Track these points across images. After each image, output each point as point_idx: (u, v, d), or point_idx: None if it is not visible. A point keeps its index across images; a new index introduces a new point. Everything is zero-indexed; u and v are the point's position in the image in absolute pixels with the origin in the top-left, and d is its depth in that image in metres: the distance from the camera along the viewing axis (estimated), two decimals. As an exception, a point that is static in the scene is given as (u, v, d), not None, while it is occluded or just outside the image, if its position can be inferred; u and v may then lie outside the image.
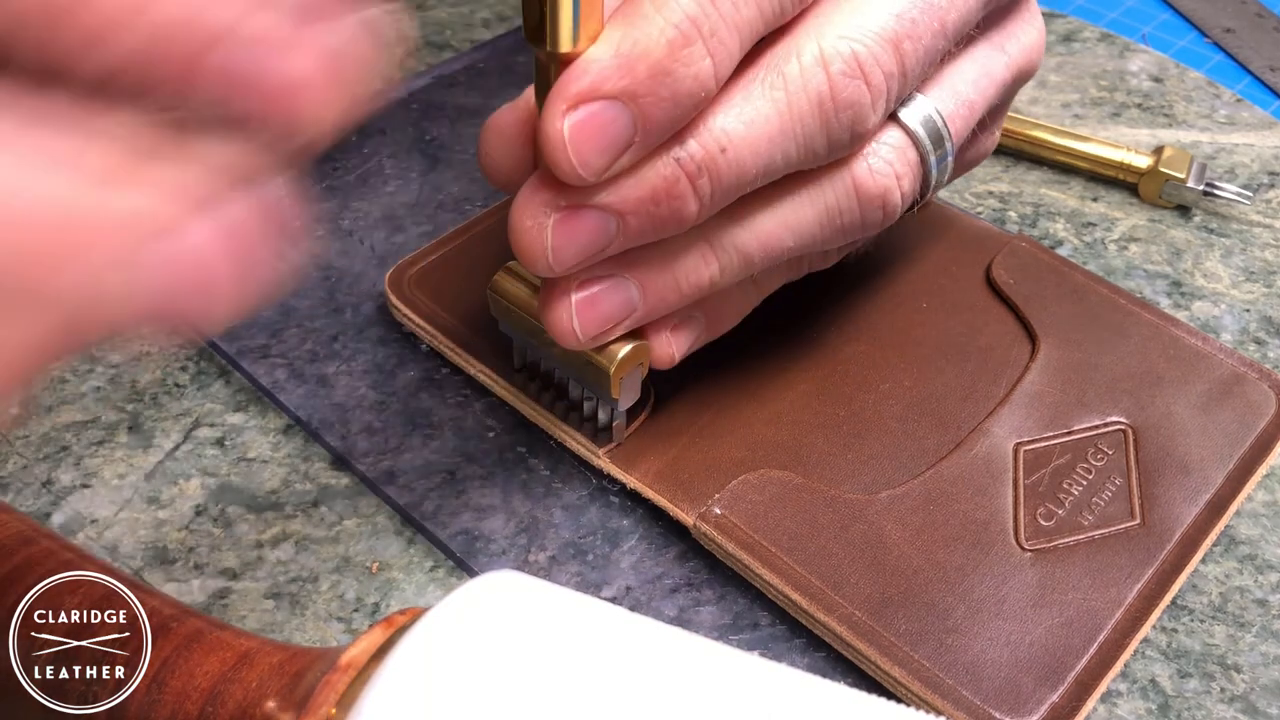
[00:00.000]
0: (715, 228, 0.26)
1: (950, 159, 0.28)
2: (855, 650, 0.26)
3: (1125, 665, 0.28)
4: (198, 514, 0.31)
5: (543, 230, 0.24)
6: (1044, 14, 0.49)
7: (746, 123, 0.24)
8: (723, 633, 0.28)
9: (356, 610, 0.29)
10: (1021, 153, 0.42)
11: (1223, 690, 0.27)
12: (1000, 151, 0.42)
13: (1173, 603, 0.29)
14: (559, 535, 0.30)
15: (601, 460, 0.30)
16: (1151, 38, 0.50)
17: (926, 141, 0.27)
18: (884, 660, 0.26)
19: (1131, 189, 0.41)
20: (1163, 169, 0.40)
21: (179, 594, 0.29)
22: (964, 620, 0.27)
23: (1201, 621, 0.29)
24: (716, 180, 0.24)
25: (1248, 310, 0.36)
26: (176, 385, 0.34)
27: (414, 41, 0.48)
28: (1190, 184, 0.39)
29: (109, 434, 0.33)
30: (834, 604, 0.27)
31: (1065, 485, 0.29)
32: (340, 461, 0.32)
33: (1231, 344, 0.35)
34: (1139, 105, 0.44)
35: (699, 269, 0.26)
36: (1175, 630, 0.29)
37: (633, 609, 0.28)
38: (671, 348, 0.28)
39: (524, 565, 0.29)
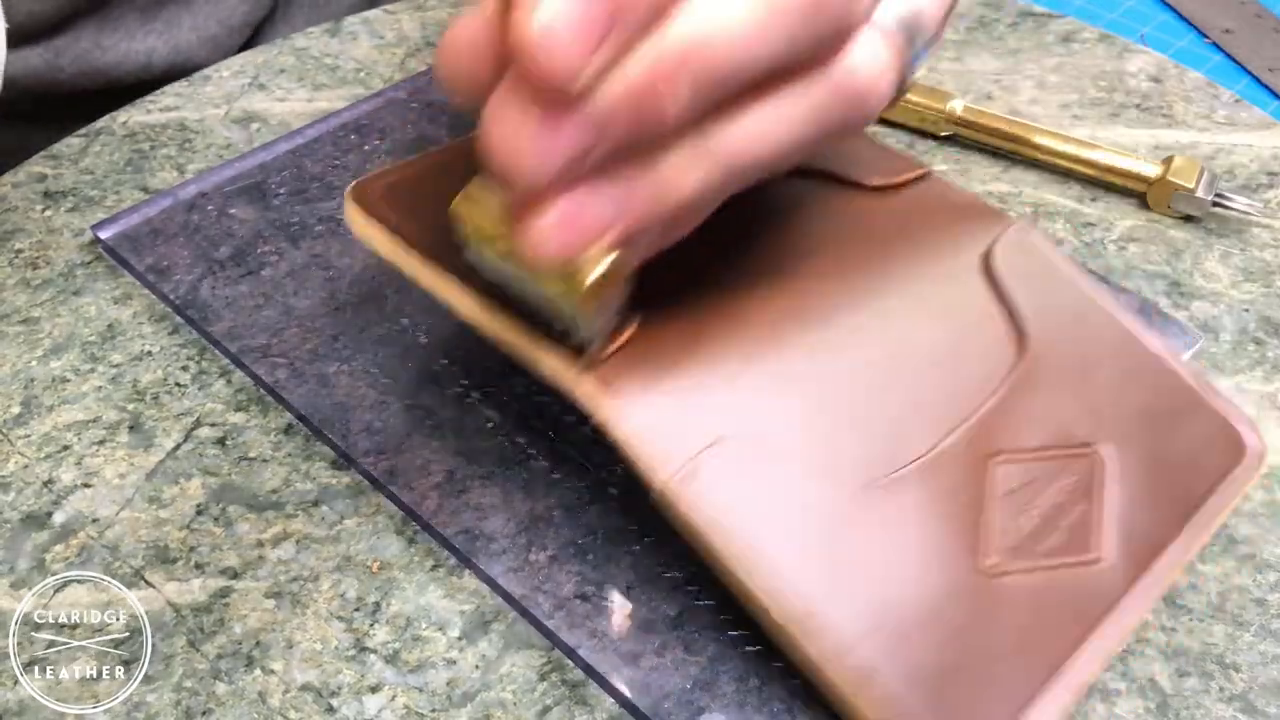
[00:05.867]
0: (699, 132, 0.25)
1: (927, 50, 0.27)
2: (801, 656, 0.26)
3: (1125, 664, 0.28)
4: (199, 513, 0.31)
5: (521, 140, 0.22)
6: (1043, 15, 0.49)
7: (727, 14, 0.23)
8: (721, 631, 0.28)
9: (358, 609, 0.29)
10: (1024, 157, 0.42)
11: (1221, 689, 0.28)
12: (1000, 153, 0.42)
13: (1172, 602, 0.29)
14: (559, 534, 0.30)
15: (577, 383, 0.28)
16: (1150, 38, 0.50)
17: (905, 35, 0.26)
18: (828, 668, 0.26)
19: (1137, 196, 0.40)
20: (1172, 179, 0.39)
21: (180, 593, 0.29)
22: (919, 642, 0.26)
23: (1200, 620, 0.29)
24: (699, 75, 0.23)
25: (1247, 310, 0.36)
26: (177, 385, 0.34)
27: (414, 41, 0.48)
28: (1199, 194, 0.39)
29: (110, 433, 0.33)
30: (787, 606, 0.26)
31: (1032, 509, 0.29)
32: (341, 461, 0.32)
33: (1230, 344, 0.35)
34: (1138, 106, 0.44)
35: (684, 175, 0.25)
36: (1174, 629, 0.29)
37: (634, 608, 0.28)
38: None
39: (525, 564, 0.29)
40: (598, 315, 0.26)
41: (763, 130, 0.25)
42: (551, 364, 0.28)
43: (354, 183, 0.31)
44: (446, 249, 0.28)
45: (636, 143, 0.23)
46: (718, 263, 0.31)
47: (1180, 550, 0.29)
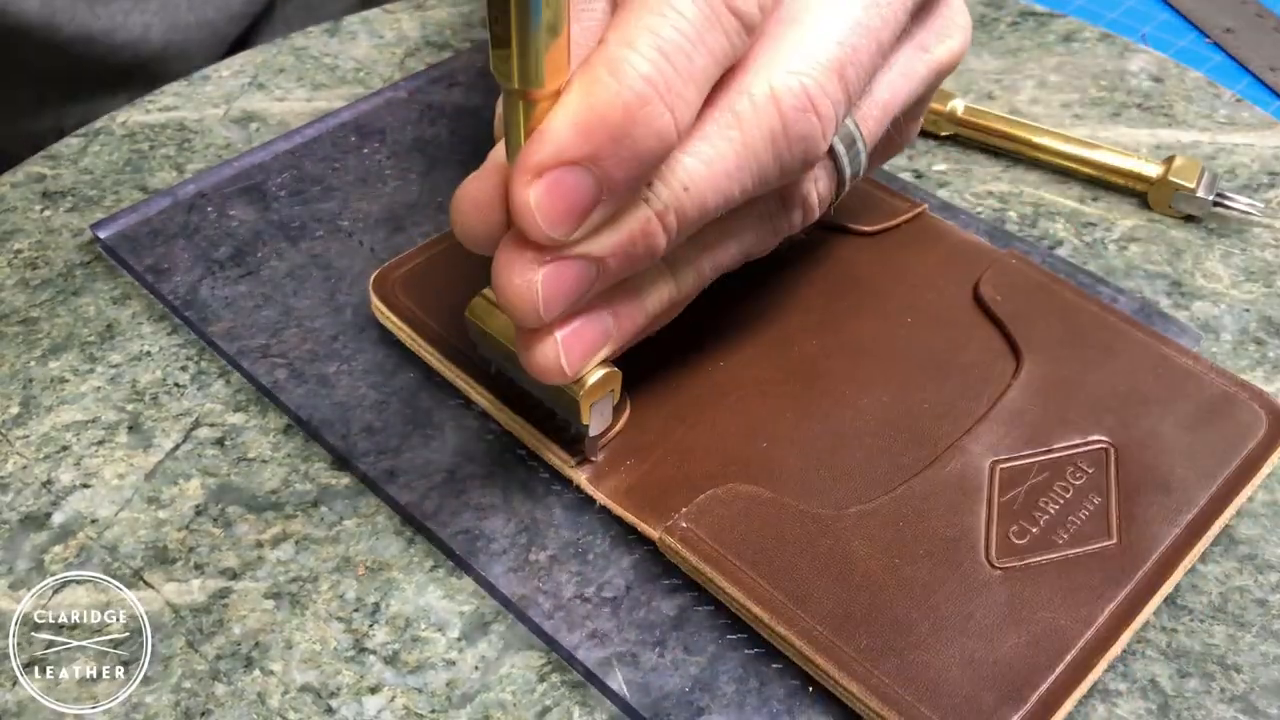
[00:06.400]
0: (673, 252, 0.27)
1: (863, 157, 0.30)
2: (814, 665, 0.26)
3: (1126, 665, 0.28)
4: (198, 514, 0.31)
5: (532, 286, 0.25)
6: (1044, 14, 0.49)
7: (706, 162, 0.25)
8: (720, 632, 0.28)
9: (357, 610, 0.29)
10: (1025, 156, 0.42)
11: (1223, 690, 0.27)
12: (1001, 153, 0.42)
13: (1173, 602, 0.29)
14: (559, 535, 0.30)
15: (574, 474, 0.30)
16: (1151, 38, 0.50)
17: (839, 146, 0.29)
18: (841, 675, 0.26)
19: (1138, 196, 0.40)
20: (1172, 179, 0.39)
21: (179, 594, 0.29)
22: (927, 637, 0.26)
23: (1201, 621, 0.29)
24: (682, 217, 0.26)
25: (1248, 310, 0.36)
26: (176, 385, 0.34)
27: (413, 41, 0.48)
28: (1200, 194, 0.39)
29: (109, 434, 0.33)
30: (795, 618, 0.27)
31: (1041, 503, 0.29)
32: (340, 461, 0.32)
33: (1231, 344, 0.35)
34: (1139, 105, 0.44)
35: (661, 291, 0.28)
36: (1175, 630, 0.29)
37: (633, 609, 0.28)
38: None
39: (524, 565, 0.29)
40: (594, 415, 0.29)
41: (726, 244, 0.29)
42: (553, 458, 0.31)
43: (376, 273, 0.35)
44: (462, 336, 0.31)
45: (631, 274, 0.27)
46: (709, 324, 0.33)
47: (1211, 513, 0.29)
